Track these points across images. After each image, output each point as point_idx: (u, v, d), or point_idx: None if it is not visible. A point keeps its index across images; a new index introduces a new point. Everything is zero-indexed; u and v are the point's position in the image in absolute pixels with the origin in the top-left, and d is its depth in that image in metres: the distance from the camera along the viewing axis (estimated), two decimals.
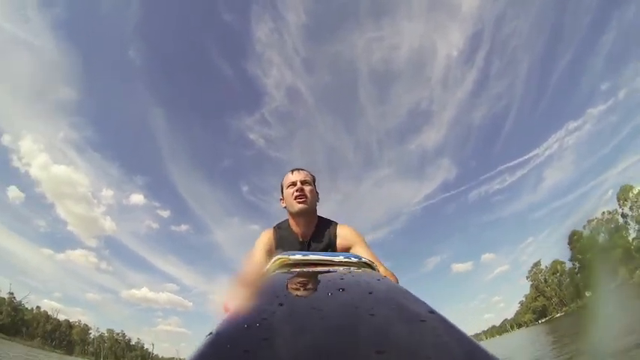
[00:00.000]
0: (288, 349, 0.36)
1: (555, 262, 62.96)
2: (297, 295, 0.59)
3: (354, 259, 0.96)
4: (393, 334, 0.38)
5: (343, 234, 1.52)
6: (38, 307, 66.16)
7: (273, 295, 0.56)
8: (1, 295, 59.08)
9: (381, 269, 1.22)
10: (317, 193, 1.65)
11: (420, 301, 0.52)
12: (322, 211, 1.68)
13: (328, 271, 0.79)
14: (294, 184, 1.58)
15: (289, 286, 0.66)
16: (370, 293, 0.56)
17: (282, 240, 1.55)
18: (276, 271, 0.85)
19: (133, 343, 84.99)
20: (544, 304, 66.70)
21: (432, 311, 0.45)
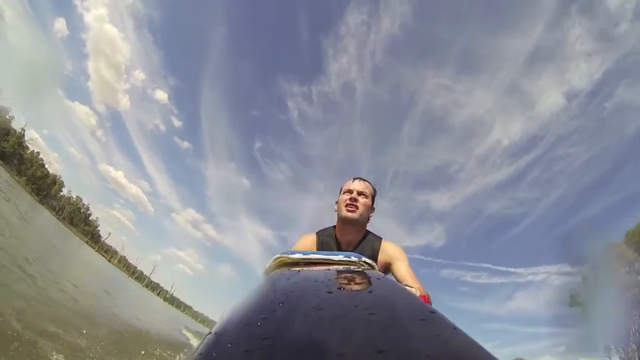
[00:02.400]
0: (289, 348, 0.35)
1: None
2: (297, 294, 0.58)
3: (354, 258, 0.96)
4: (393, 334, 0.38)
5: (386, 249, 1.51)
6: (38, 153, 72.16)
7: (274, 294, 0.56)
8: (14, 126, 64.73)
9: (417, 286, 1.24)
10: (373, 207, 1.63)
11: (421, 300, 0.54)
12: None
13: (328, 270, 0.79)
14: (350, 191, 1.58)
15: (289, 285, 0.65)
16: (370, 292, 0.56)
17: (324, 245, 1.55)
18: (277, 270, 0.85)
19: (91, 219, 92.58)
20: None
21: (433, 311, 0.45)
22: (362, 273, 0.77)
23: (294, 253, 0.95)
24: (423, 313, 0.44)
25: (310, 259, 0.93)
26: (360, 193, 1.57)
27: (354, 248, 1.54)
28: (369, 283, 0.67)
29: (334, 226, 1.63)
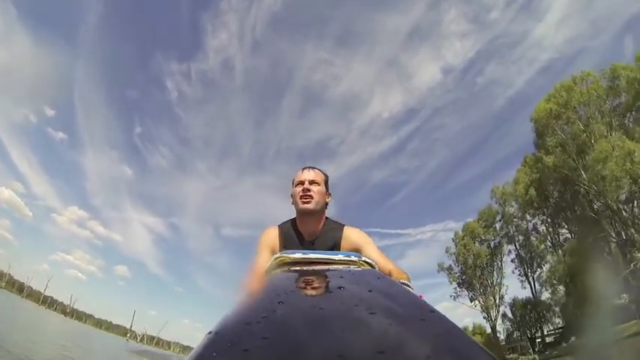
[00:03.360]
0: (288, 347, 0.35)
1: None
2: (297, 294, 0.59)
3: (354, 258, 0.97)
4: (393, 333, 0.38)
5: (350, 236, 1.52)
6: None
7: (274, 293, 0.56)
8: None
9: (394, 269, 1.24)
10: (328, 193, 1.63)
11: (421, 299, 0.55)
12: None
13: (328, 270, 0.80)
14: (302, 182, 1.57)
15: (289, 284, 0.66)
16: (370, 291, 0.57)
17: (287, 239, 1.55)
18: (276, 270, 0.86)
19: None
20: None
21: (433, 310, 0.45)
22: (362, 272, 0.79)
23: (294, 252, 0.97)
24: (422, 312, 0.44)
25: (310, 258, 0.94)
26: (312, 182, 1.55)
27: (316, 238, 1.54)
28: (369, 282, 0.67)
29: (294, 219, 1.62)
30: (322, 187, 1.57)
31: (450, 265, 31.44)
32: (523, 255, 28.40)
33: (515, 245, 29.01)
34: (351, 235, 1.50)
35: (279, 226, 1.62)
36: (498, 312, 29.17)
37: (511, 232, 29.24)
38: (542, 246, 27.28)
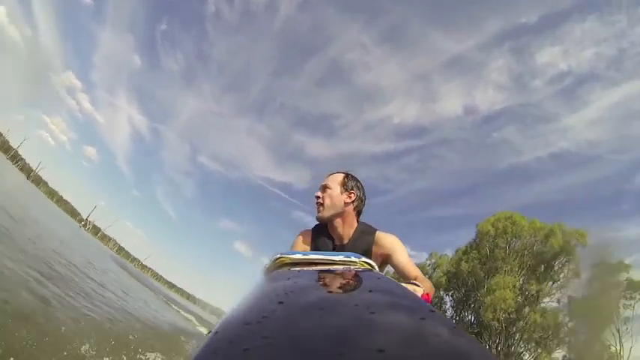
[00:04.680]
0: (288, 347, 0.35)
1: None
2: (297, 294, 0.59)
3: (354, 259, 0.96)
4: (393, 333, 0.38)
5: (382, 241, 1.46)
6: None
7: (274, 293, 0.56)
8: None
9: (420, 277, 1.24)
10: (350, 191, 1.53)
11: (421, 299, 0.54)
12: None
13: (328, 270, 0.80)
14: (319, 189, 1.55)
15: (289, 284, 0.66)
16: (370, 291, 0.56)
17: (318, 242, 1.53)
18: (277, 270, 0.86)
19: None
20: None
21: (432, 310, 0.45)
22: (362, 272, 0.79)
23: (294, 253, 0.97)
24: (422, 312, 0.44)
25: (310, 259, 0.93)
26: (323, 188, 1.55)
27: (348, 241, 1.51)
28: (369, 282, 0.67)
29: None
30: (336, 189, 1.53)
31: None
32: None
33: None
34: (383, 240, 1.46)
35: (312, 229, 1.62)
36: None
37: None
38: None
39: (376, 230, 1.53)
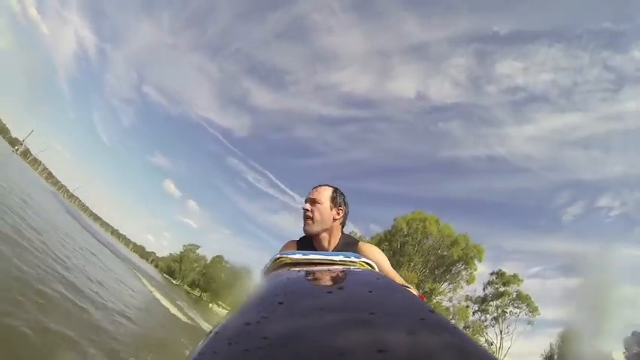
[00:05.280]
0: (288, 347, 0.35)
1: None
2: (296, 294, 0.59)
3: (354, 259, 0.96)
4: (392, 333, 0.38)
5: (365, 252, 1.49)
6: None
7: (273, 293, 0.56)
8: None
9: (402, 283, 1.23)
10: (338, 208, 1.58)
11: (420, 300, 0.55)
12: None
13: (328, 270, 0.79)
14: (305, 202, 1.57)
15: (289, 284, 0.65)
16: (370, 292, 0.57)
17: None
18: (276, 271, 0.86)
19: None
20: None
21: (432, 310, 0.45)
22: (362, 273, 0.78)
23: (294, 253, 0.96)
24: (422, 312, 0.44)
25: (310, 259, 0.93)
26: (312, 202, 1.56)
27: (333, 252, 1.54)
28: (369, 282, 0.67)
29: None
30: (326, 204, 1.55)
31: None
32: None
33: None
34: (366, 250, 1.49)
35: (297, 240, 1.63)
36: None
37: None
38: None
39: (359, 242, 1.58)
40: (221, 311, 54.20)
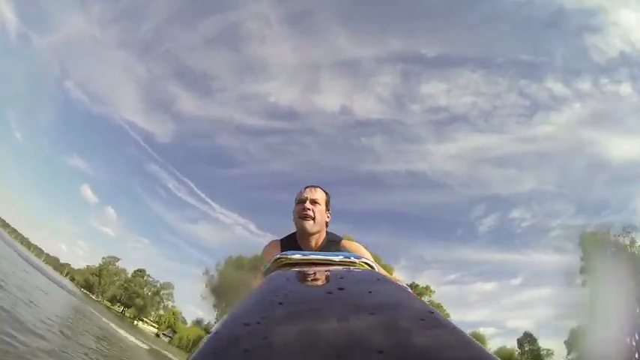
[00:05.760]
0: (288, 347, 0.35)
1: None
2: (296, 294, 0.59)
3: (354, 259, 0.96)
4: (392, 333, 0.38)
5: (347, 249, 1.54)
6: None
7: (273, 294, 0.56)
8: None
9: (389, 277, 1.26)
10: (328, 212, 1.67)
11: (420, 300, 0.55)
12: None
13: (328, 271, 0.79)
14: (302, 201, 1.60)
15: (289, 285, 0.66)
16: (370, 292, 0.57)
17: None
18: (276, 271, 0.86)
19: None
20: None
21: (432, 311, 0.45)
22: (361, 273, 0.79)
23: (294, 253, 0.97)
24: (422, 312, 0.44)
25: (310, 259, 0.94)
26: (313, 202, 1.60)
27: (316, 250, 1.56)
28: (369, 283, 0.67)
29: (294, 233, 1.67)
30: (322, 206, 1.63)
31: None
32: None
33: None
34: (349, 248, 1.56)
35: (280, 240, 1.68)
36: None
37: None
38: None
39: (342, 239, 1.66)
40: (148, 328, 52.97)
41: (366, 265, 0.96)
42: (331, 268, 0.86)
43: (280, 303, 0.49)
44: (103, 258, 63.19)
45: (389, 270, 1.27)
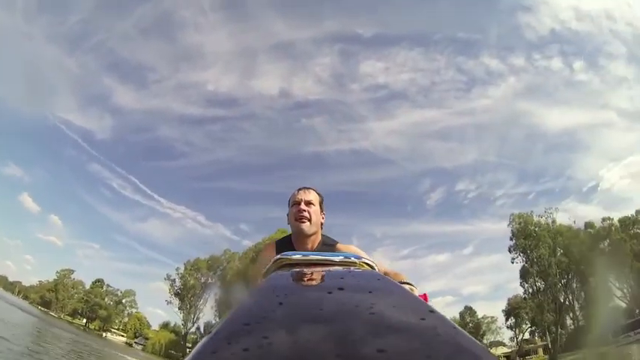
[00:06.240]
0: (288, 347, 0.36)
1: None
2: (296, 294, 0.59)
3: (354, 259, 0.97)
4: (393, 333, 0.38)
5: (342, 251, 1.51)
6: None
7: (273, 294, 0.56)
8: None
9: (390, 271, 1.29)
10: (323, 213, 1.68)
11: (420, 300, 0.55)
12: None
13: (328, 271, 0.79)
14: (297, 203, 1.60)
15: (289, 285, 0.66)
16: (370, 292, 0.57)
17: None
18: (276, 271, 0.86)
19: None
20: None
21: (432, 310, 0.45)
22: (361, 273, 0.80)
23: (294, 254, 0.97)
24: (422, 312, 0.44)
25: (310, 260, 0.94)
26: (308, 203, 1.61)
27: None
28: (369, 283, 0.68)
29: (289, 236, 1.68)
30: (318, 208, 1.64)
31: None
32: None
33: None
34: (344, 251, 1.54)
35: (275, 242, 1.70)
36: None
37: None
38: None
39: (337, 242, 1.67)
40: (117, 338, 52.73)
41: (366, 265, 0.96)
42: (331, 268, 0.87)
43: (280, 303, 0.49)
44: (57, 272, 60.58)
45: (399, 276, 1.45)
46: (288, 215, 1.67)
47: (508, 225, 38.72)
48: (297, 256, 0.95)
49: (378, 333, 0.38)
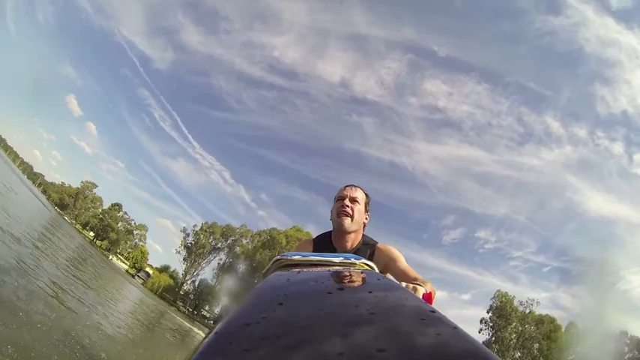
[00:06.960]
0: (288, 347, 0.36)
1: None
2: (296, 295, 0.59)
3: (354, 260, 0.97)
4: (393, 333, 0.38)
5: (382, 252, 1.55)
6: None
7: (273, 294, 0.56)
8: None
9: (419, 278, 1.28)
10: (367, 214, 1.65)
11: (421, 300, 0.55)
12: None
13: (328, 271, 0.80)
14: (342, 198, 1.59)
15: (289, 285, 0.66)
16: (370, 292, 0.57)
17: (319, 252, 1.50)
18: (276, 272, 0.87)
19: None
20: None
21: (433, 310, 0.45)
22: (362, 274, 0.79)
23: (294, 254, 0.98)
24: (423, 312, 0.45)
25: (310, 260, 0.94)
26: (352, 200, 1.59)
27: (350, 252, 1.55)
28: (369, 283, 0.68)
29: (329, 233, 1.65)
30: (362, 207, 1.61)
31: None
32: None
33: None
34: (384, 250, 1.56)
35: (313, 239, 1.68)
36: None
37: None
38: None
39: (377, 242, 1.63)
40: (120, 265, 54.92)
41: (366, 266, 0.97)
42: (331, 268, 0.87)
43: (280, 303, 0.50)
44: (82, 182, 64.46)
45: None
46: (331, 211, 1.65)
47: (491, 298, 40.45)
48: (296, 256, 0.96)
49: (379, 333, 0.38)
